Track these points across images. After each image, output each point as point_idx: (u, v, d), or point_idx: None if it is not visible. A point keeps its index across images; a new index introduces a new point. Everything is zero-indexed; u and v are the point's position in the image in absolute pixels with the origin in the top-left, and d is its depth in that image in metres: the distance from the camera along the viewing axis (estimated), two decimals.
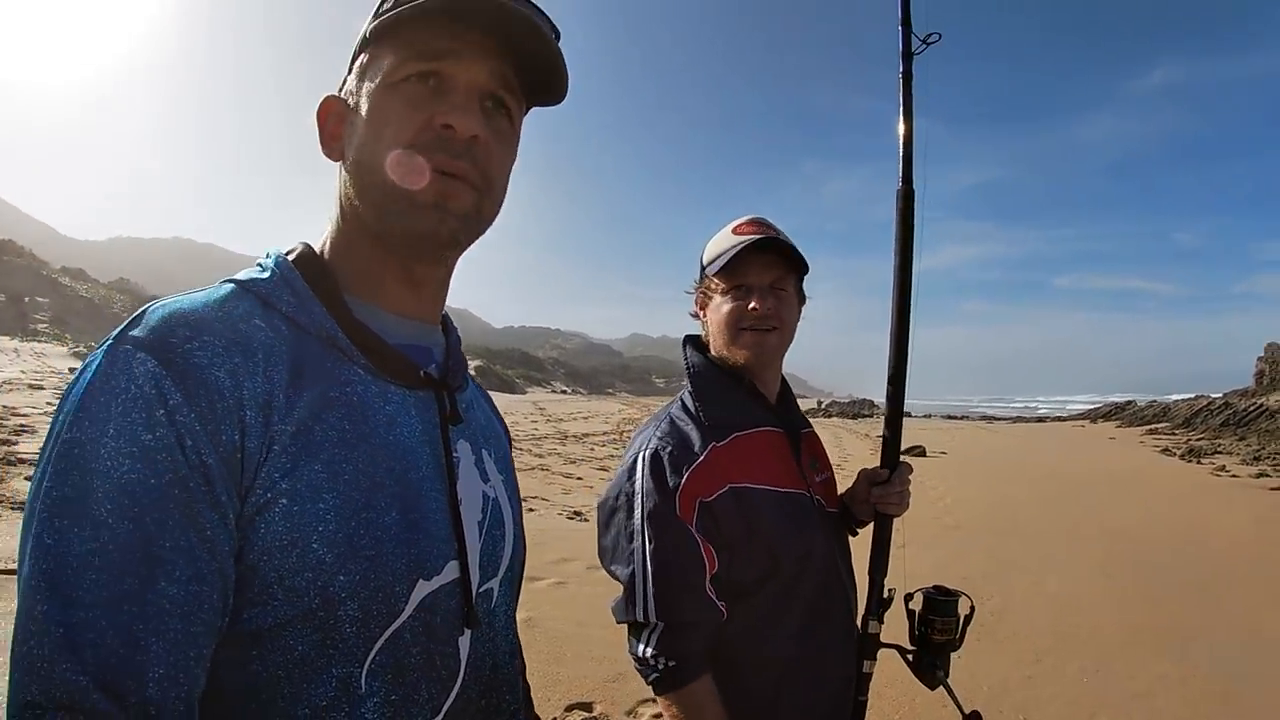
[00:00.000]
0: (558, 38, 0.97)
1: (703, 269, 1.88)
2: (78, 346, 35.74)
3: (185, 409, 0.74)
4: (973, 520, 10.61)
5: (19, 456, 9.94)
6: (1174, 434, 30.33)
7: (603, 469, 15.08)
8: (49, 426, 0.77)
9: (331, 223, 0.97)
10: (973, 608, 1.83)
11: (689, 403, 1.82)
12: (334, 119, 0.96)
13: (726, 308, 1.80)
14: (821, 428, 31.96)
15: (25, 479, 8.71)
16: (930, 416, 54.60)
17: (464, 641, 0.93)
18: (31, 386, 19.23)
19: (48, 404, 15.62)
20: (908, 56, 2.00)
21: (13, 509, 7.38)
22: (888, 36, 2.05)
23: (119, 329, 0.79)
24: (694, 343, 1.95)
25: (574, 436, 22.95)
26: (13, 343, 35.36)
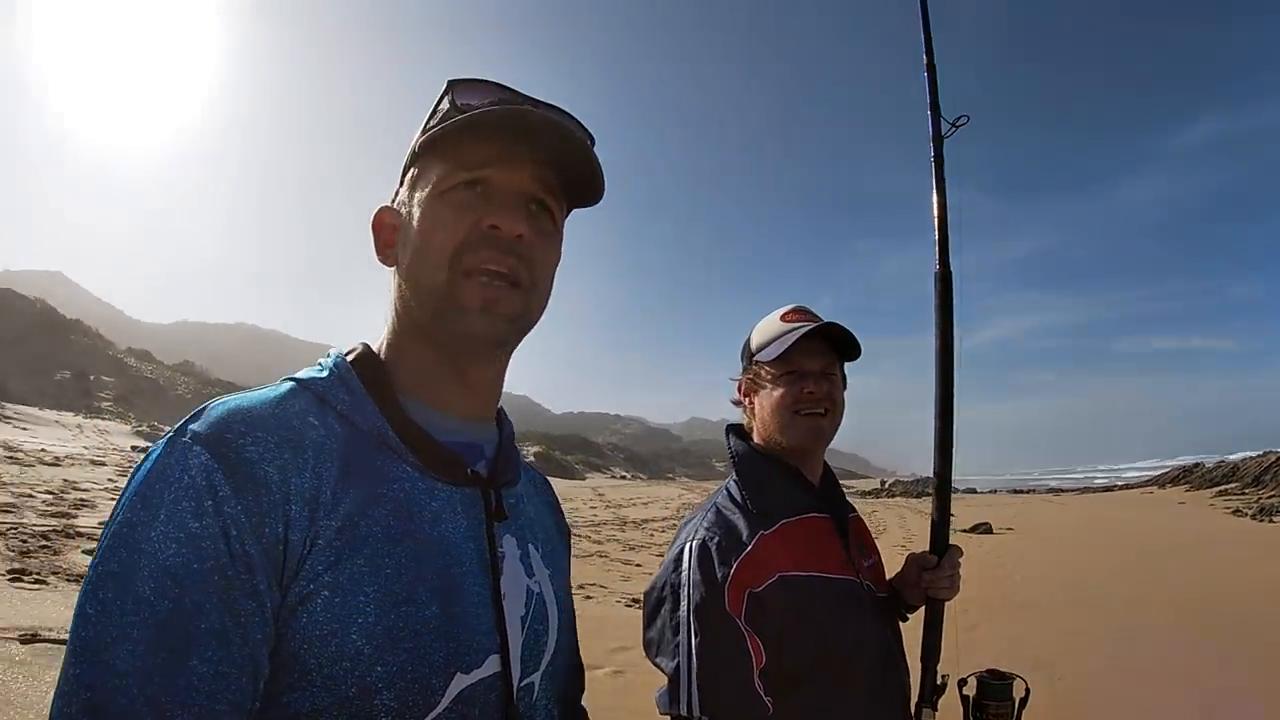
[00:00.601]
0: (592, 143, 1.03)
1: (750, 355, 1.91)
2: (140, 425, 36.54)
3: (233, 501, 0.78)
4: (1043, 597, 10.32)
5: (77, 530, 10.15)
6: (1244, 494, 29.11)
7: (661, 555, 14.91)
8: (113, 507, 0.81)
9: (387, 325, 1.03)
10: (1028, 690, 1.79)
11: (735, 491, 1.83)
12: (387, 229, 1.03)
13: (779, 392, 1.82)
14: (885, 507, 31.45)
15: (83, 552, 8.89)
16: (995, 492, 53.43)
17: None
18: (93, 462, 19.65)
19: (109, 480, 15.95)
20: (938, 140, 2.06)
21: (68, 580, 7.52)
22: (923, 118, 2.10)
23: (181, 422, 0.84)
24: (737, 431, 1.96)
25: (633, 522, 22.75)
26: (76, 419, 36.17)
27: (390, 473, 0.91)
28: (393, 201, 1.04)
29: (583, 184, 1.04)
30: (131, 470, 0.84)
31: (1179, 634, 7.75)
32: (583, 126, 1.02)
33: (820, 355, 1.83)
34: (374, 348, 1.02)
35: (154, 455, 0.82)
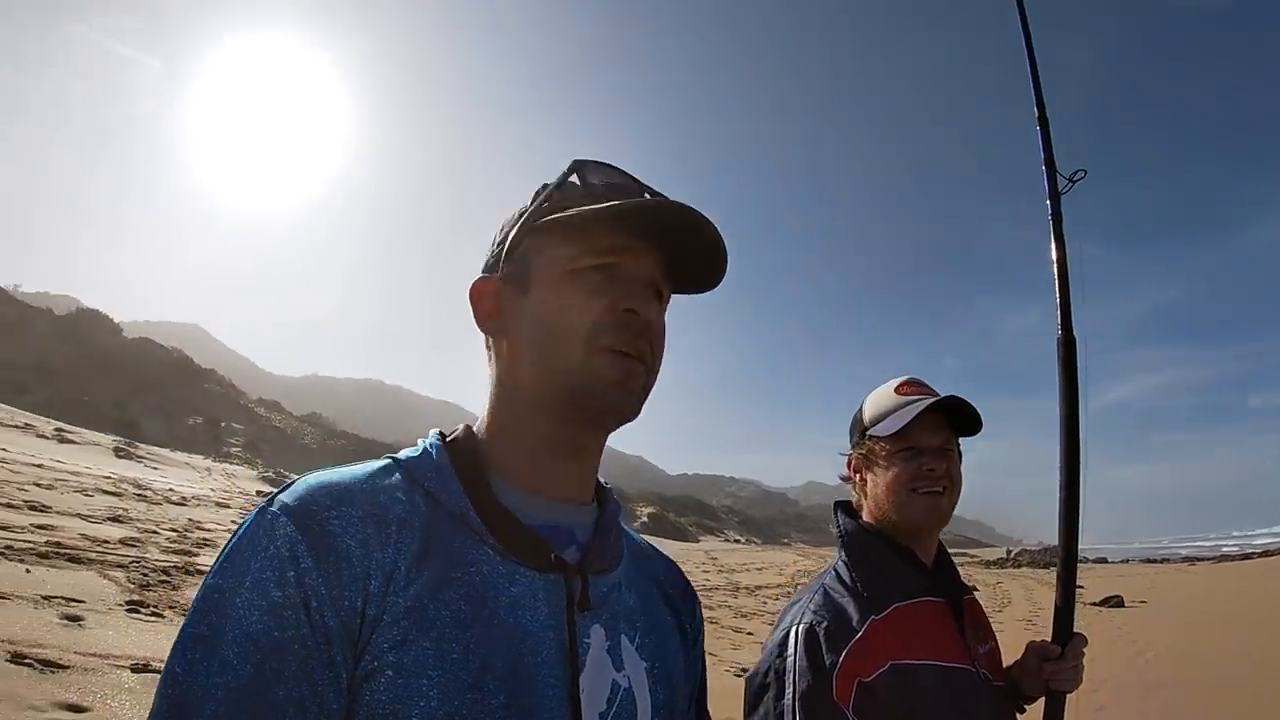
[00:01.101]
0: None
1: (863, 430, 1.84)
2: (266, 471, 38.05)
3: (314, 573, 0.82)
4: (1179, 677, 9.67)
5: (197, 567, 10.55)
6: None
7: (774, 623, 14.64)
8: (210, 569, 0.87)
9: (491, 393, 1.04)
10: None
11: (844, 573, 1.76)
12: (489, 298, 1.04)
13: (895, 470, 1.75)
14: (1010, 578, 30.18)
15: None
16: (1127, 561, 50.77)
17: None
18: (219, 504, 20.46)
19: (231, 521, 16.54)
20: (1055, 197, 1.99)
21: (184, 615, 7.74)
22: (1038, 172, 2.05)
23: (274, 493, 0.89)
24: (846, 508, 1.90)
25: (746, 588, 22.30)
26: (206, 462, 37.89)
27: (468, 555, 0.91)
28: (495, 272, 1.05)
29: (696, 277, 1.06)
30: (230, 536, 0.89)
31: None
32: (712, 226, 1.01)
33: (939, 430, 1.75)
34: (476, 426, 1.04)
35: (246, 524, 0.86)
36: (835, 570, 1.78)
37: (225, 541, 0.88)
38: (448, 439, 1.03)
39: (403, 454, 1.00)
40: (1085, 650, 1.78)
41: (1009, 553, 52.74)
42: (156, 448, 37.52)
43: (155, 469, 28.74)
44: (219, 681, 0.77)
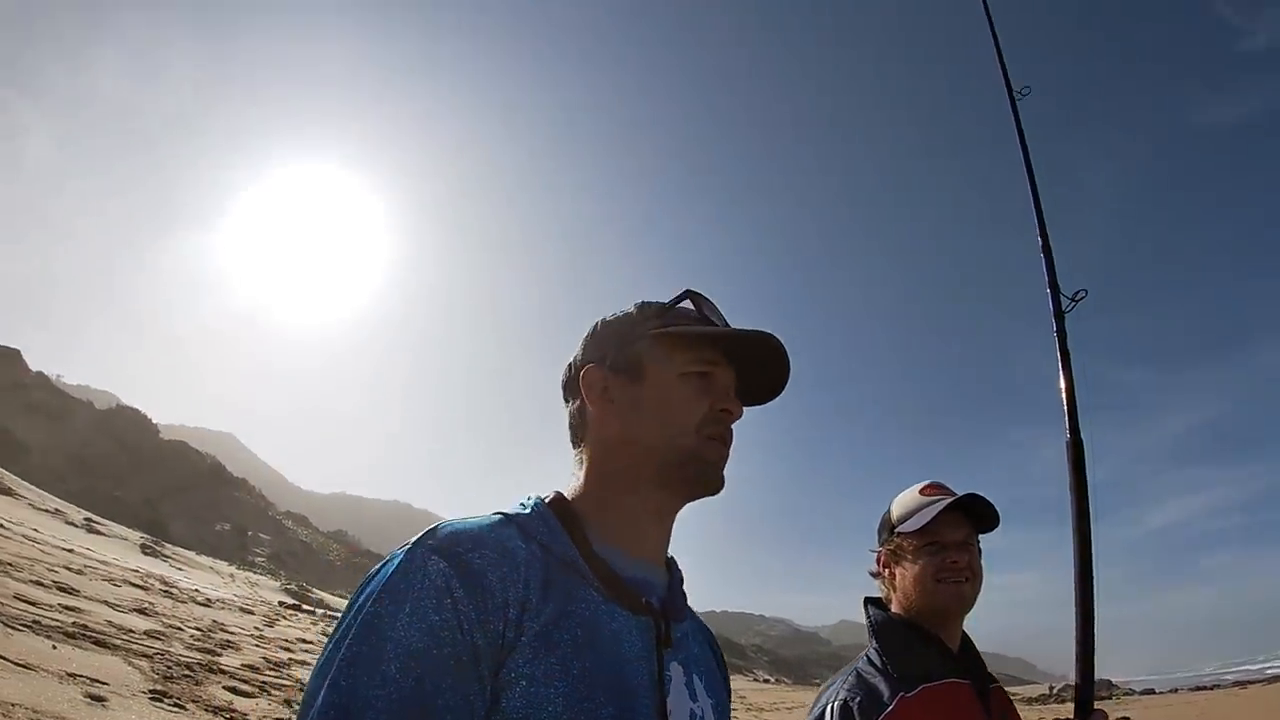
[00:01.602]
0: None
1: (891, 528, 2.00)
2: (290, 584, 37.77)
3: (466, 601, 0.98)
4: None
5: (220, 667, 10.53)
6: None
7: None
8: (347, 605, 1.03)
9: (586, 471, 1.27)
10: None
11: (875, 657, 1.90)
12: (600, 382, 1.27)
13: (921, 563, 1.91)
14: (1053, 715, 28.63)
15: (224, 688, 9.21)
16: (1176, 691, 48.14)
17: None
18: (242, 610, 20.33)
19: (255, 628, 16.45)
20: (1059, 316, 2.20)
21: (206, 710, 7.80)
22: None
23: (417, 537, 1.06)
24: (875, 603, 2.04)
25: None
26: (230, 568, 37.67)
27: (579, 594, 1.10)
28: (601, 364, 1.29)
29: (758, 393, 1.36)
30: (364, 579, 1.05)
31: None
32: (786, 355, 1.31)
33: (960, 527, 1.92)
34: (568, 491, 1.26)
35: (395, 561, 1.03)
36: (867, 656, 1.92)
37: (369, 576, 1.04)
38: (545, 500, 1.22)
39: (510, 510, 1.18)
40: None
41: (1051, 689, 50.11)
42: (183, 550, 37.48)
43: (180, 570, 28.66)
44: (380, 694, 0.96)
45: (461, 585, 0.99)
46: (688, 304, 1.33)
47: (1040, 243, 2.30)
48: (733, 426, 1.27)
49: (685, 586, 1.33)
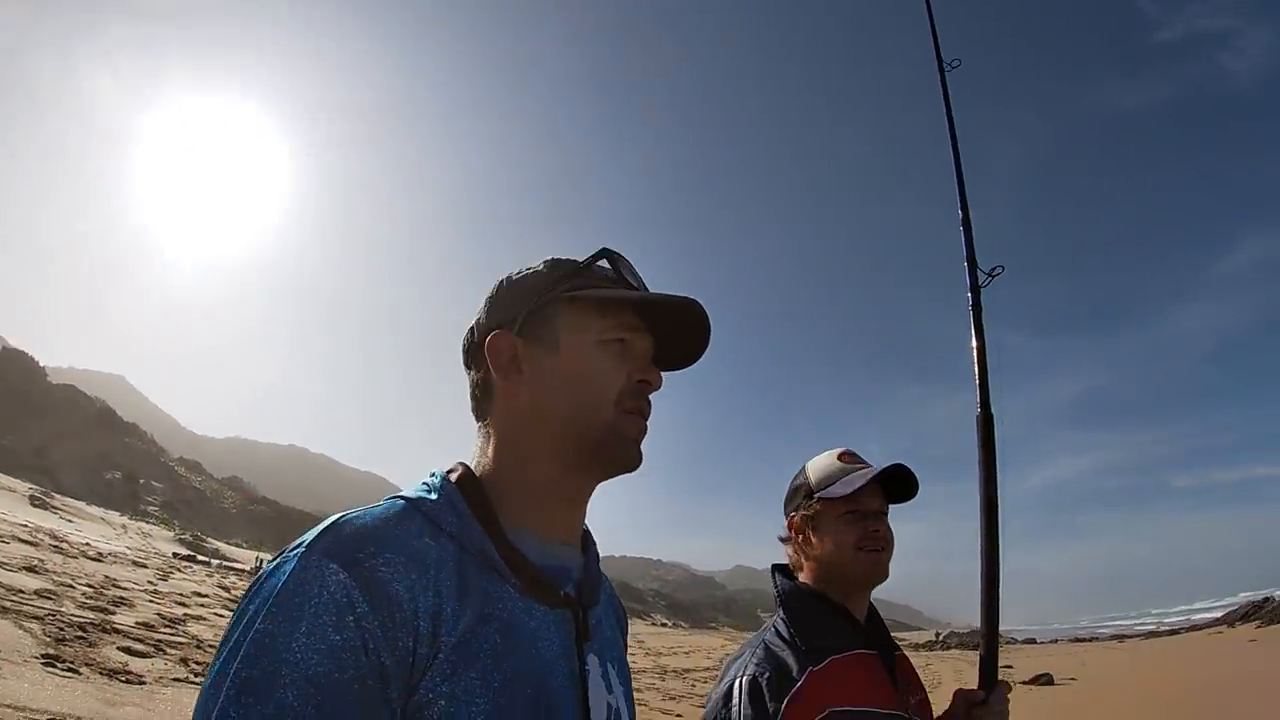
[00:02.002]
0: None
1: (809, 493, 1.98)
2: (184, 534, 36.78)
3: (370, 617, 0.88)
4: None
5: (114, 626, 10.21)
6: None
7: (702, 706, 14.46)
8: (234, 615, 0.91)
9: (493, 447, 1.15)
10: None
11: (783, 629, 1.88)
12: (509, 350, 1.15)
13: (843, 530, 1.90)
14: (940, 660, 30.09)
15: (118, 649, 8.94)
16: (1056, 641, 51.00)
17: None
18: (135, 563, 19.78)
19: (149, 582, 16.01)
20: (975, 290, 2.20)
21: (100, 673, 7.56)
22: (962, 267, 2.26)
23: (312, 538, 0.94)
24: (783, 570, 2.03)
25: (673, 672, 22.12)
26: (122, 519, 36.56)
27: (495, 593, 1.01)
28: (507, 326, 1.17)
29: (675, 360, 1.26)
30: (255, 581, 0.93)
31: None
32: (708, 322, 1.22)
33: (879, 496, 1.93)
34: (475, 466, 1.16)
35: (288, 569, 0.90)
36: (775, 627, 1.91)
37: (257, 586, 0.92)
38: (452, 479, 1.11)
39: (412, 494, 1.07)
40: (1010, 698, 1.90)
41: (938, 636, 52.79)
42: (74, 500, 36.18)
43: (70, 522, 27.65)
44: None
45: (365, 599, 0.88)
46: (604, 264, 1.21)
47: (961, 215, 2.30)
48: (650, 397, 1.19)
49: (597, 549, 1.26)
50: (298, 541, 0.95)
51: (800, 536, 1.99)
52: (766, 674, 1.75)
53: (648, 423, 1.17)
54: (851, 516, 1.90)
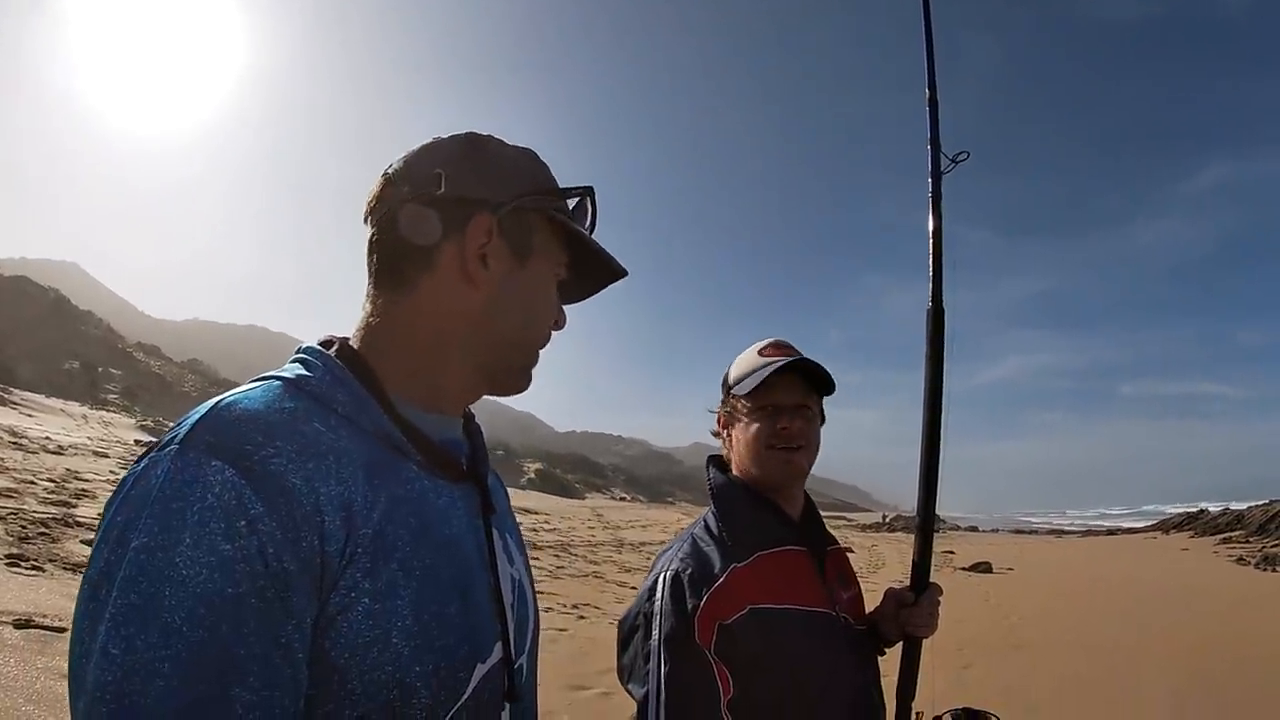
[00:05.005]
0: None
1: (728, 389, 1.92)
2: (145, 420, 36.43)
3: (266, 519, 0.75)
4: (1040, 639, 10.21)
5: (77, 519, 10.14)
6: (1248, 542, 28.54)
7: None
8: (100, 531, 0.76)
9: (421, 328, 1.01)
10: None
11: (711, 523, 1.84)
12: (476, 244, 1.01)
13: (754, 428, 1.83)
14: (885, 542, 31.19)
15: (81, 542, 8.89)
16: (997, 531, 53.18)
17: (505, 715, 1.01)
18: (96, 454, 19.62)
19: (110, 472, 15.90)
20: (936, 176, 2.07)
21: (65, 569, 7.52)
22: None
23: (184, 430, 0.79)
24: (716, 462, 1.97)
25: (631, 544, 22.54)
26: (82, 409, 36.11)
27: (402, 474, 0.92)
28: (490, 211, 1.02)
29: (579, 287, 1.21)
30: (125, 481, 0.78)
31: (1181, 683, 7.71)
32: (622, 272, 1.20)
33: (796, 391, 1.84)
34: (355, 338, 1.02)
35: (161, 469, 0.76)
36: (705, 520, 1.87)
37: (124, 493, 0.77)
38: (330, 353, 0.97)
39: (290, 373, 0.92)
40: (940, 599, 1.90)
41: (884, 518, 54.29)
42: (30, 393, 35.72)
43: (30, 416, 27.34)
44: (166, 654, 0.68)
45: (257, 498, 0.75)
46: (587, 203, 1.14)
47: (928, 94, 2.13)
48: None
49: (481, 423, 1.17)
50: (169, 435, 0.80)
51: (726, 432, 1.94)
52: (689, 569, 1.70)
53: None
54: (764, 413, 1.82)
